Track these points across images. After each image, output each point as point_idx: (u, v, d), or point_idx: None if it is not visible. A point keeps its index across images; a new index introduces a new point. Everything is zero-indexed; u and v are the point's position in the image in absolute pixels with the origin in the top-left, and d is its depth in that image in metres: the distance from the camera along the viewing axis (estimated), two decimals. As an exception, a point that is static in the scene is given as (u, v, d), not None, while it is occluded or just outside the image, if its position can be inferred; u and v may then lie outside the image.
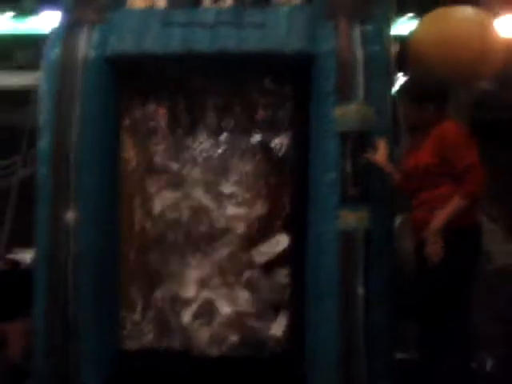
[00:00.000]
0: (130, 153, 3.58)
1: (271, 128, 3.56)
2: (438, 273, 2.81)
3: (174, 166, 3.56)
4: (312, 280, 3.20)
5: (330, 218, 3.10)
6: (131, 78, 3.53)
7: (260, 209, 3.52)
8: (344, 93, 3.18)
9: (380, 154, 3.07)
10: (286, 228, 3.51)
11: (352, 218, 3.08)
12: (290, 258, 3.48)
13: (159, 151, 3.58)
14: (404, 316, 3.20)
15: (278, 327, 3.46)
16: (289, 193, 3.53)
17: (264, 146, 3.56)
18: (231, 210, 3.51)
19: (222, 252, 3.51)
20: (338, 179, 3.10)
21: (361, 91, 3.16)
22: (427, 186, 2.89)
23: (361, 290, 3.03)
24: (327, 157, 3.15)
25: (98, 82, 3.35)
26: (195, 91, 3.57)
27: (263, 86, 3.57)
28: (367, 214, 3.08)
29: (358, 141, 3.11)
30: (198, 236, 3.52)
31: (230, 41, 3.30)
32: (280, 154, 3.54)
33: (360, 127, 3.12)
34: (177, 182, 3.56)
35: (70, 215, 3.18)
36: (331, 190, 3.11)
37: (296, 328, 3.42)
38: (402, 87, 3.24)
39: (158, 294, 3.54)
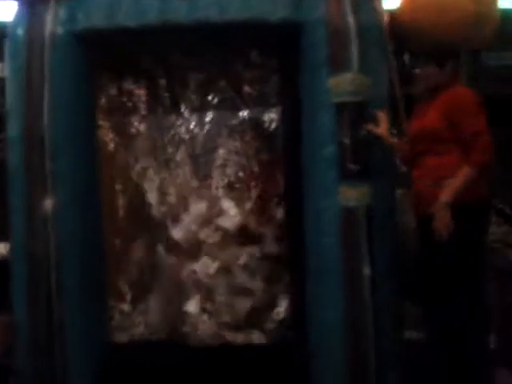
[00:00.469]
0: (108, 135, 3.34)
1: (259, 103, 3.38)
2: (447, 248, 2.68)
3: (158, 146, 3.35)
4: (313, 261, 3.03)
5: (328, 194, 2.91)
6: (104, 55, 3.27)
7: (253, 188, 3.35)
8: (337, 63, 2.98)
9: (381, 125, 2.93)
10: (281, 207, 3.35)
11: (352, 194, 2.91)
12: (288, 238, 3.34)
13: (140, 132, 3.35)
14: (405, 295, 3.10)
15: (277, 311, 3.32)
16: (283, 170, 3.35)
17: (253, 123, 3.37)
18: (222, 190, 3.33)
19: (215, 236, 3.34)
20: (335, 153, 2.91)
21: (355, 60, 2.98)
22: (433, 151, 2.76)
23: (367, 270, 2.88)
24: (323, 130, 2.96)
25: (67, 61, 3.07)
26: (175, 66, 3.35)
27: (248, 58, 3.36)
28: (368, 190, 2.92)
29: (356, 112, 2.93)
30: (188, 220, 3.34)
31: (211, 10, 3.04)
32: (270, 130, 3.36)
33: (357, 97, 2.94)
34: (161, 163, 3.35)
35: (48, 203, 2.91)
36: (329, 165, 2.92)
37: (297, 311, 3.27)
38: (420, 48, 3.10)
39: (149, 282, 3.36)
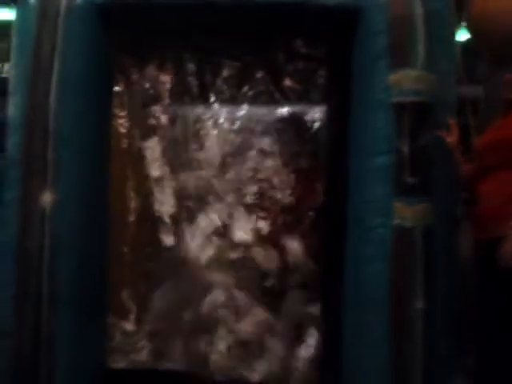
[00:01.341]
0: (123, 125, 2.95)
1: (301, 100, 2.94)
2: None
3: (181, 142, 2.94)
4: (353, 290, 2.60)
5: (380, 212, 2.48)
6: (127, 33, 2.87)
7: (287, 198, 2.91)
8: (399, 56, 2.56)
9: (451, 134, 2.51)
10: (318, 223, 2.89)
11: (409, 213, 2.47)
12: (323, 262, 2.88)
13: (161, 125, 2.95)
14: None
15: (305, 350, 2.88)
16: (323, 179, 2.90)
17: (292, 122, 2.94)
18: (250, 198, 2.90)
19: (237, 252, 2.91)
20: (391, 164, 2.48)
21: (421, 54, 2.58)
22: (509, 164, 2.34)
23: (419, 304, 2.44)
24: (377, 135, 2.54)
25: (84, 36, 2.69)
26: (207, 51, 2.93)
27: (293, 47, 2.94)
28: (428, 208, 2.49)
29: (419, 115, 2.52)
30: (210, 230, 2.91)
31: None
32: (312, 132, 2.92)
33: (421, 98, 2.52)
34: (183, 162, 2.94)
35: (46, 197, 2.51)
36: (382, 177, 2.49)
37: (328, 350, 2.82)
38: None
39: (158, 298, 2.92)
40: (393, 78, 2.61)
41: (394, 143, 2.52)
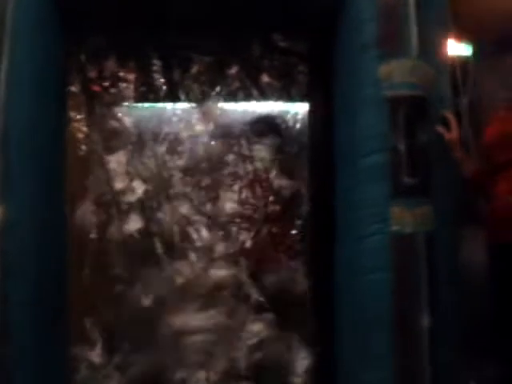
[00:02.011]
0: (80, 130, 2.66)
1: (281, 97, 2.71)
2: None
3: (147, 148, 2.66)
4: (349, 306, 2.37)
5: (375, 218, 2.24)
6: (83, 27, 2.57)
7: (268, 207, 2.67)
8: (390, 45, 2.37)
9: (451, 130, 2.32)
10: (305, 232, 2.66)
11: (408, 218, 2.25)
12: (313, 274, 2.63)
13: (125, 128, 2.67)
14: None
15: (297, 370, 2.61)
16: (309, 184, 2.68)
17: (271, 122, 2.72)
18: (228, 206, 2.63)
19: (219, 270, 2.63)
20: (386, 163, 2.25)
21: (414, 42, 2.39)
22: None
23: (425, 320, 2.22)
24: (368, 132, 2.30)
25: (35, 31, 2.38)
26: (175, 45, 2.66)
27: (270, 41, 2.70)
28: (429, 212, 2.28)
29: (415, 109, 2.32)
30: (184, 246, 2.62)
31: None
32: (293, 133, 2.71)
33: (417, 91, 2.33)
34: (150, 169, 2.65)
35: (-4, 211, 2.23)
36: (376, 178, 2.26)
37: (323, 371, 2.57)
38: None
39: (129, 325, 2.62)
40: (384, 69, 2.39)
41: (389, 141, 2.31)
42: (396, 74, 2.44)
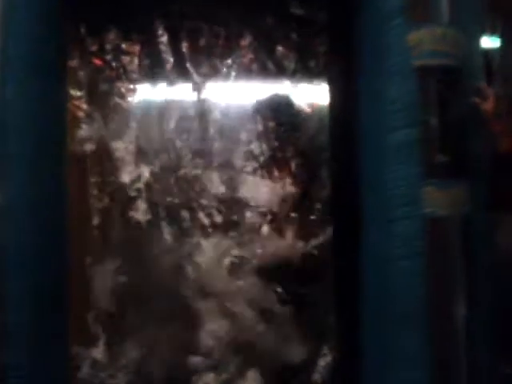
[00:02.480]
0: (81, 108, 2.46)
1: (297, 71, 2.51)
2: None
3: (151, 128, 2.47)
4: (376, 297, 2.19)
5: (405, 199, 2.05)
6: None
7: (287, 188, 2.48)
8: (418, 11, 2.22)
9: (486, 100, 2.15)
10: (326, 217, 2.46)
11: (443, 199, 2.11)
12: (335, 265, 2.42)
13: (127, 109, 2.48)
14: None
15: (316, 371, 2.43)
16: (330, 165, 2.46)
17: (287, 98, 2.51)
18: (245, 190, 2.44)
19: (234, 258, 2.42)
20: (416, 139, 2.06)
21: (445, 8, 2.22)
22: None
23: (461, 311, 2.05)
24: (396, 105, 2.09)
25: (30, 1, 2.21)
26: (182, 16, 2.47)
27: (285, 10, 2.50)
28: (465, 193, 2.12)
29: (447, 80, 2.17)
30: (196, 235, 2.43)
31: None
32: (312, 109, 2.51)
33: (449, 60, 2.18)
34: (157, 153, 2.45)
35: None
36: (405, 156, 2.06)
37: (344, 372, 2.39)
38: None
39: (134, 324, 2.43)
40: (412, 37, 2.25)
41: (418, 114, 2.14)
42: (425, 42, 2.28)
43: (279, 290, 2.39)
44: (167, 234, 2.43)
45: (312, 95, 2.48)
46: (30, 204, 2.12)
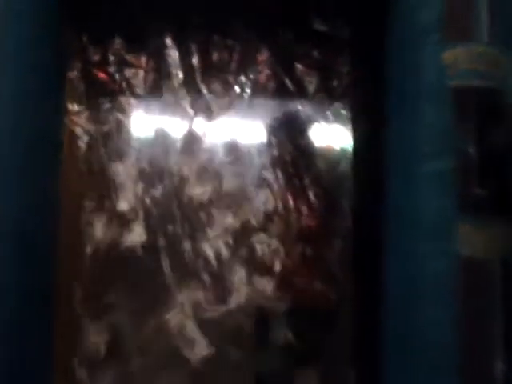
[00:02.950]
0: (78, 124, 2.29)
1: (317, 91, 2.32)
2: None
3: (155, 145, 2.28)
4: (403, 350, 1.95)
5: (436, 237, 1.85)
6: (87, 4, 2.23)
7: (301, 221, 2.27)
8: (455, 27, 2.02)
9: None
10: (346, 254, 2.25)
11: (480, 239, 1.86)
12: (355, 309, 2.21)
13: (130, 122, 2.29)
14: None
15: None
16: (349, 194, 2.28)
17: (305, 120, 2.29)
18: (253, 217, 2.23)
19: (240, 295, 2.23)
20: (451, 169, 1.85)
21: (484, 25, 2.03)
22: None
23: (499, 366, 1.81)
24: (427, 132, 1.92)
25: (29, 5, 2.00)
26: (193, 27, 2.30)
27: (305, 25, 2.33)
28: (505, 234, 1.89)
29: (487, 103, 1.95)
30: (196, 263, 2.22)
31: None
32: (333, 133, 2.28)
33: (488, 81, 1.96)
34: (159, 171, 2.27)
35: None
36: (438, 188, 1.87)
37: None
38: None
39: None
40: (448, 55, 2.05)
41: (455, 141, 1.95)
42: (462, 60, 2.07)
43: (290, 336, 2.17)
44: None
45: (333, 118, 2.29)
46: (15, 222, 1.95)
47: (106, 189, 2.26)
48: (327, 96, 2.28)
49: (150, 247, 2.18)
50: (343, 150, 2.27)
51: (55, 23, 2.16)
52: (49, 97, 2.18)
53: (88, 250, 2.20)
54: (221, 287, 2.14)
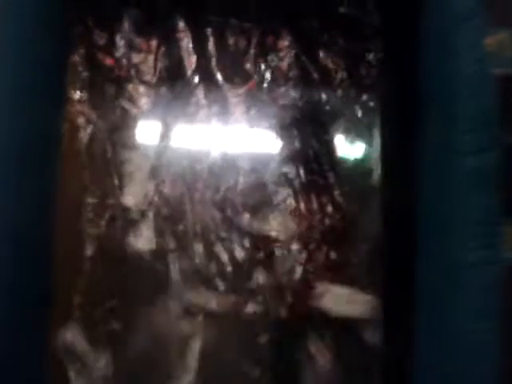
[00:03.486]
0: (83, 113, 2.10)
1: (344, 82, 2.16)
2: None
3: (165, 137, 2.10)
4: (439, 371, 1.76)
5: (479, 241, 1.67)
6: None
7: (325, 225, 2.09)
8: (498, 11, 1.88)
9: None
10: (377, 260, 2.04)
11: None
12: (384, 324, 2.00)
13: (141, 113, 2.12)
14: None
15: None
16: (378, 194, 2.10)
17: (332, 113, 2.11)
18: (275, 222, 2.08)
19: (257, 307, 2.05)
20: (494, 166, 1.69)
21: (531, 8, 1.89)
22: None
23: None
24: (471, 124, 1.75)
25: None
26: (206, 10, 2.13)
27: (331, 10, 2.15)
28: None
29: (536, 94, 1.82)
30: (209, 271, 2.03)
31: None
32: (361, 127, 2.11)
33: None
34: (169, 166, 2.08)
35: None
36: (481, 186, 1.69)
37: None
38: None
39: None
40: (491, 41, 1.92)
41: (499, 135, 1.80)
42: (507, 47, 1.96)
43: (313, 350, 1.99)
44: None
45: (361, 110, 2.13)
46: (10, 222, 1.79)
47: (110, 185, 2.10)
48: (355, 87, 2.12)
49: (158, 250, 2.03)
50: (372, 146, 2.11)
51: (57, 5, 2.03)
52: (49, 87, 2.03)
53: (89, 251, 2.04)
54: (236, 294, 1.98)
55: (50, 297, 1.90)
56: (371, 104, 2.12)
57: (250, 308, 1.95)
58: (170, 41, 2.10)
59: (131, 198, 2.06)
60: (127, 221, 2.05)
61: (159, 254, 2.02)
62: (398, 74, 2.09)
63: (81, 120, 2.10)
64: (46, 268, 1.92)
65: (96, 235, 2.04)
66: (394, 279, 1.96)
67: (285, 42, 2.12)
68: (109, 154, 2.10)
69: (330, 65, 2.13)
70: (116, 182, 2.08)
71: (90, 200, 2.06)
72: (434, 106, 1.91)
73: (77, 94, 2.11)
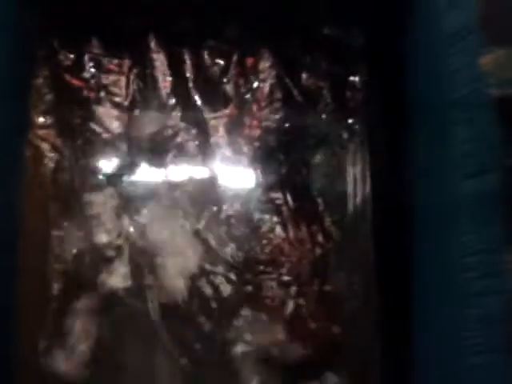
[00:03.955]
0: (48, 141, 1.96)
1: (327, 105, 2.09)
2: None
3: (142, 166, 1.99)
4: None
5: (482, 270, 1.58)
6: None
7: (315, 254, 1.99)
8: (493, 28, 1.83)
9: None
10: (368, 294, 1.95)
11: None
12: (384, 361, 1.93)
13: (112, 137, 1.99)
14: None
15: None
16: (370, 220, 2.02)
17: (318, 137, 2.04)
18: (262, 251, 1.94)
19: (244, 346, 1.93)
20: (495, 190, 1.62)
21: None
22: None
23: None
24: (469, 147, 1.68)
25: None
26: (181, 30, 2.04)
27: (315, 31, 2.09)
28: None
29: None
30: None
31: None
32: (348, 152, 2.04)
33: None
34: (143, 194, 1.97)
35: None
36: (483, 212, 1.63)
37: None
38: None
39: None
40: (486, 61, 1.88)
41: (500, 158, 1.75)
42: (504, 66, 1.93)
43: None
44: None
45: (347, 133, 2.05)
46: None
47: (78, 218, 1.96)
48: (340, 110, 2.06)
49: (133, 286, 1.88)
50: (361, 170, 2.03)
51: (18, 23, 1.91)
52: (10, 111, 1.91)
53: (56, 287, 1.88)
54: (221, 332, 1.85)
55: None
56: (357, 126, 2.06)
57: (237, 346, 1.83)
58: (142, 61, 2.01)
59: (103, 230, 1.93)
60: (98, 255, 1.92)
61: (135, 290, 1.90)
62: (385, 96, 2.05)
63: (45, 145, 1.98)
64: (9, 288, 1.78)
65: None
66: (392, 316, 1.88)
67: (266, 64, 2.05)
68: (76, 183, 1.99)
69: (314, 87, 2.06)
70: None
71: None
72: (426, 129, 1.86)
73: (40, 119, 1.99)
